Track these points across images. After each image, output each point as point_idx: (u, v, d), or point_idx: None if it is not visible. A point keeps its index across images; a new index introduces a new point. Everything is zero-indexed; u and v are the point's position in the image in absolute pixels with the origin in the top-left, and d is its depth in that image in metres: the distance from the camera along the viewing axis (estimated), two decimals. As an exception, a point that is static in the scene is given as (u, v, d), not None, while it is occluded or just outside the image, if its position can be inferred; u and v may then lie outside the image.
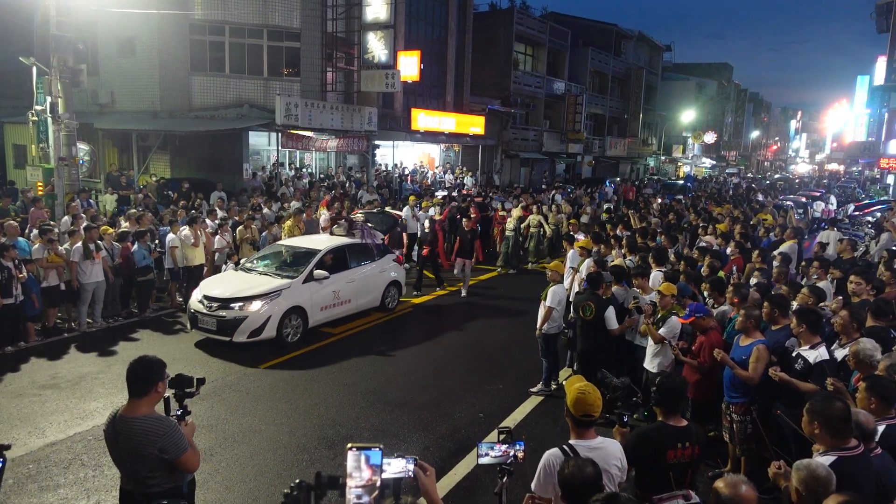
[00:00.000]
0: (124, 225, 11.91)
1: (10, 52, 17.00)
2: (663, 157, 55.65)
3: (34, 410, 7.23)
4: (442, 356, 9.68)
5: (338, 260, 10.67)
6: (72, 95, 13.59)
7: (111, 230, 11.07)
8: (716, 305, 7.18)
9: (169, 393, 3.74)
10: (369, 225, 11.91)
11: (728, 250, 10.35)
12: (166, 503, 3.25)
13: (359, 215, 12.65)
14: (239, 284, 9.73)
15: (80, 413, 7.20)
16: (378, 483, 2.53)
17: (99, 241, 10.25)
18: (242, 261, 10.93)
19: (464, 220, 13.77)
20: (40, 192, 14.27)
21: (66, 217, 12.25)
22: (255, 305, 9.30)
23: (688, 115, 52.35)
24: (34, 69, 13.64)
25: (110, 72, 20.63)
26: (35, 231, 10.57)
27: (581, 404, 3.50)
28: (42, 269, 9.68)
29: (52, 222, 11.49)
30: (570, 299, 8.84)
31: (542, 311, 8.19)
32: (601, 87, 43.79)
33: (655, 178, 44.86)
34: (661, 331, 6.54)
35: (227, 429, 6.94)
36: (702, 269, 8.61)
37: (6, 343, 9.07)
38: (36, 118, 13.95)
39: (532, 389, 8.21)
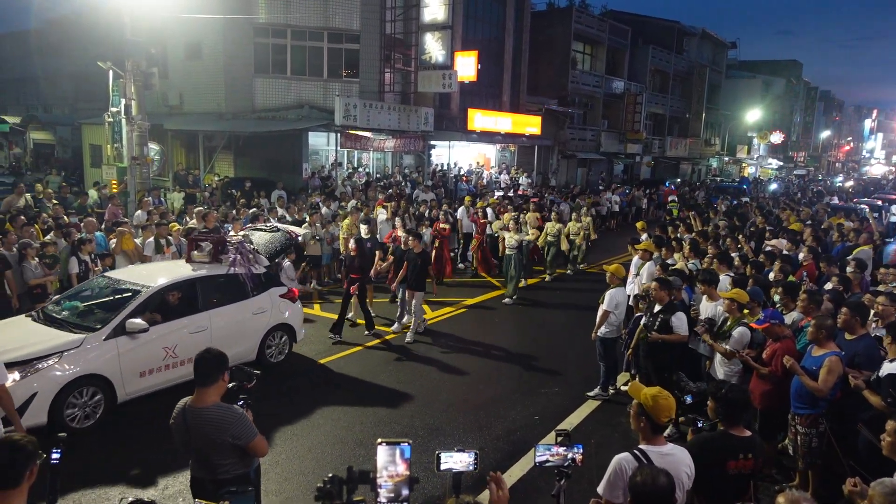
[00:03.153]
0: (191, 222, 12.36)
1: (90, 58, 17.93)
2: (727, 158, 53.87)
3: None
4: (497, 358, 9.65)
5: (184, 299, 7.77)
6: (144, 98, 14.23)
7: (178, 227, 11.53)
8: (784, 312, 6.89)
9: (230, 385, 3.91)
10: (251, 247, 8.74)
11: (800, 256, 9.91)
12: (235, 490, 3.38)
13: (240, 233, 9.53)
14: (3, 343, 6.59)
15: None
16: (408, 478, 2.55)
17: (168, 237, 10.68)
18: (51, 299, 8.26)
19: (410, 238, 10.28)
20: (114, 190, 14.98)
21: (138, 212, 12.83)
22: (10, 378, 5.90)
23: (753, 115, 50.48)
24: (110, 73, 14.33)
25: (179, 75, 21.48)
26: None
27: (664, 408, 3.45)
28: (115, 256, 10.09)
29: (125, 219, 12.04)
30: (630, 303, 8.70)
31: (599, 315, 8.07)
32: (662, 85, 42.80)
33: (719, 179, 43.47)
34: (730, 343, 6.29)
35: (287, 422, 7.12)
36: (770, 274, 8.29)
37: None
38: (111, 119, 14.65)
39: (589, 394, 8.11)
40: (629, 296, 8.97)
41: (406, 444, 2.58)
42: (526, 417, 7.48)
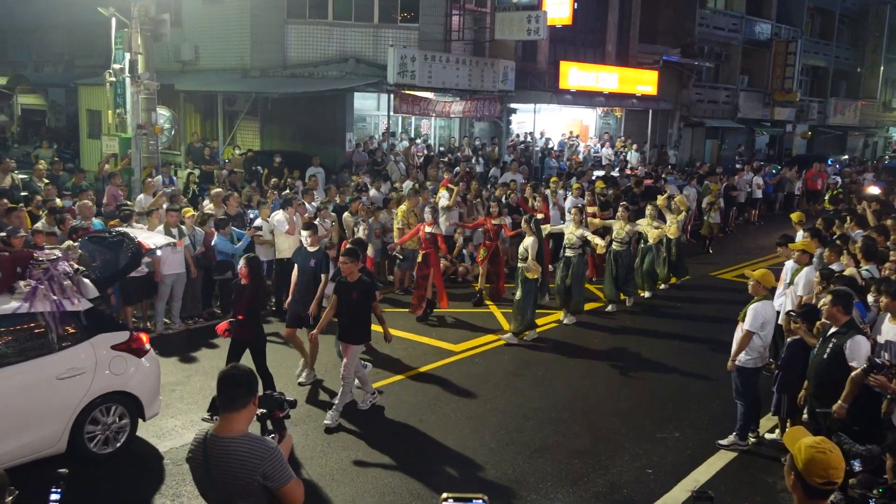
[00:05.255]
0: (208, 206, 12.77)
1: (88, 4, 18.81)
2: (915, 127, 51.46)
3: (106, 424, 7.94)
4: (598, 390, 9.55)
5: None
6: (152, 51, 14.83)
7: (192, 212, 11.92)
8: None
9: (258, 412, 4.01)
10: (74, 267, 7.17)
11: None
12: None
13: (66, 243, 8.23)
14: None
15: (155, 431, 7.80)
16: None
17: (181, 226, 11.07)
18: None
19: (344, 258, 8.14)
20: (117, 167, 15.66)
21: (141, 196, 13.35)
22: None
23: (954, 67, 47.98)
24: (113, 21, 15.01)
25: (195, 22, 22.27)
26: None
27: (819, 466, 3.29)
28: None
29: (128, 202, 12.56)
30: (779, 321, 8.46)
31: (737, 337, 7.85)
32: (823, 29, 41.60)
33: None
34: None
35: (325, 463, 7.26)
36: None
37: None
38: (113, 79, 15.35)
39: (721, 442, 7.91)
40: (778, 312, 8.70)
41: (480, 500, 2.57)
42: (636, 470, 7.36)
